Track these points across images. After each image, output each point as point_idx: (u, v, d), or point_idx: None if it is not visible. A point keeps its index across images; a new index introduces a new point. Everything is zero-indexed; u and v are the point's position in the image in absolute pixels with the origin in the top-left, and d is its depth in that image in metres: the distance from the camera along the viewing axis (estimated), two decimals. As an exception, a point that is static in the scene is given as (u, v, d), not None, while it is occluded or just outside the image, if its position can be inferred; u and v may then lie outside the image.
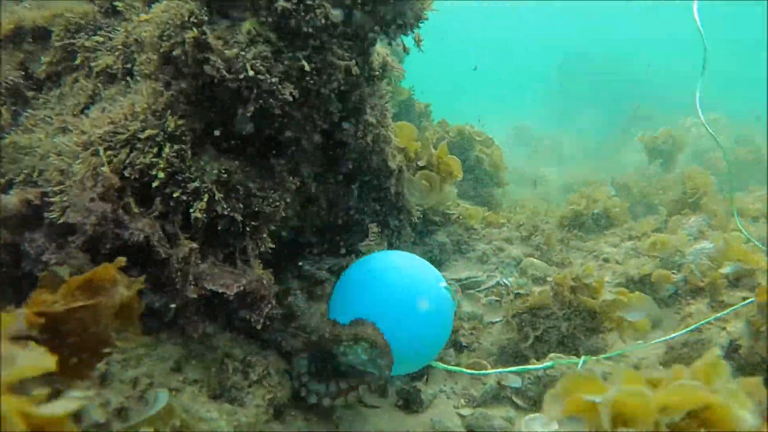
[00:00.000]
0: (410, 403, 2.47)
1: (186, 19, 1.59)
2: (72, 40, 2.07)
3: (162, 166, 1.62)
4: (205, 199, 1.67)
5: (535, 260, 3.92)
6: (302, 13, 1.66)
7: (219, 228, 1.74)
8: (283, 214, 1.93)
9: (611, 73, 17.52)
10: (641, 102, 14.19)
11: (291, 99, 1.71)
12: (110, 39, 2.03)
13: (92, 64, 2.00)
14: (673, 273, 3.42)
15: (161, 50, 1.63)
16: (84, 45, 2.05)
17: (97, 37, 2.04)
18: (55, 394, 1.04)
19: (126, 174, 1.59)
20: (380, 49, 2.17)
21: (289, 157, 1.98)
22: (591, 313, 2.78)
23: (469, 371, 2.67)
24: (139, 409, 1.47)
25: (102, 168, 1.55)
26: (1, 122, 1.93)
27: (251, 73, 1.62)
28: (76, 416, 1.31)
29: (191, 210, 1.66)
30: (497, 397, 2.65)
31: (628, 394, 1.06)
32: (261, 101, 1.69)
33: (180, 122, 1.66)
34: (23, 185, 1.70)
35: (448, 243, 3.95)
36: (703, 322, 2.70)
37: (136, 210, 1.60)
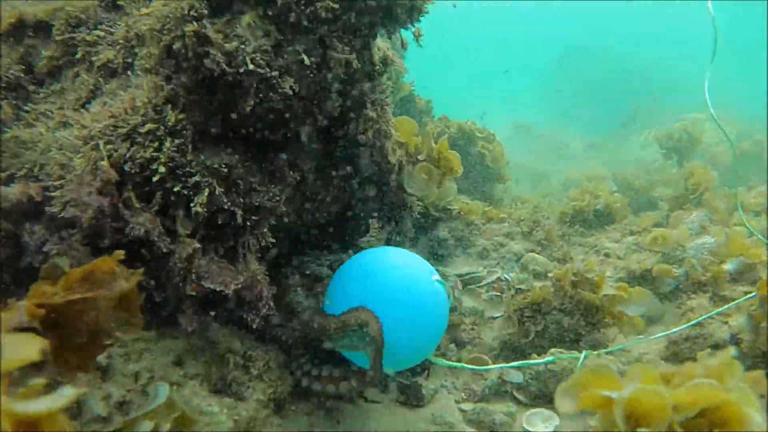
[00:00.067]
0: (411, 398, 2.48)
1: (186, 12, 1.59)
2: (73, 35, 2.07)
3: (163, 160, 1.62)
4: (206, 194, 1.67)
5: (536, 255, 3.91)
6: (302, 6, 1.65)
7: (219, 222, 1.74)
8: (284, 209, 1.93)
9: (610, 69, 17.47)
10: (641, 98, 14.17)
11: (291, 93, 1.71)
12: (111, 33, 2.03)
13: (93, 58, 2.00)
14: (674, 267, 3.41)
15: (162, 44, 1.63)
16: (85, 39, 2.05)
17: (97, 32, 2.04)
18: (55, 388, 1.04)
19: (126, 168, 1.59)
20: (381, 44, 2.17)
21: (290, 152, 1.98)
22: (592, 308, 2.78)
23: (470, 366, 2.67)
24: (141, 403, 1.48)
25: (101, 162, 1.55)
26: (2, 117, 1.93)
27: (251, 66, 1.62)
28: (77, 409, 1.32)
29: (192, 204, 1.66)
30: (498, 392, 2.65)
31: (644, 392, 1.04)
32: (261, 95, 1.69)
33: (180, 116, 1.66)
34: (24, 179, 1.71)
35: (449, 238, 3.95)
36: (704, 317, 2.70)
37: (137, 205, 1.60)
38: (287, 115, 1.82)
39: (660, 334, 2.80)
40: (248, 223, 1.80)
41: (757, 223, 3.88)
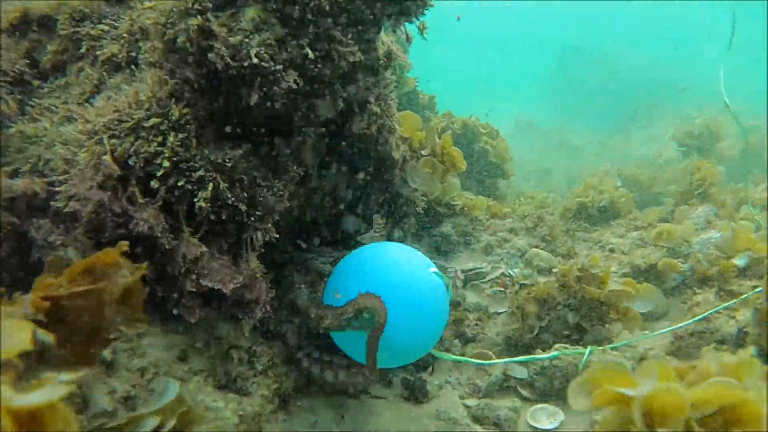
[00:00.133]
0: (416, 393, 2.47)
1: (190, 6, 1.58)
2: (77, 29, 2.06)
3: (167, 155, 1.61)
4: (210, 189, 1.66)
5: (540, 251, 3.90)
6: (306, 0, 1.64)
7: (223, 217, 1.74)
8: (287, 204, 1.92)
9: (611, 68, 17.45)
10: (641, 96, 14.16)
11: (295, 87, 1.70)
12: (115, 27, 2.02)
13: (97, 52, 2.00)
14: (680, 262, 3.40)
15: (165, 38, 1.63)
16: (89, 33, 2.05)
17: (101, 26, 2.04)
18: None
19: (131, 163, 1.59)
20: (385, 38, 2.15)
21: (294, 147, 1.97)
22: (597, 304, 2.77)
23: (475, 361, 2.66)
24: (147, 399, 1.48)
25: (104, 157, 1.55)
26: (6, 111, 1.93)
27: (255, 60, 1.61)
28: (83, 403, 1.32)
29: (196, 199, 1.66)
30: (503, 388, 2.65)
31: (662, 390, 1.04)
32: (265, 89, 1.68)
33: (184, 111, 1.66)
34: (29, 174, 1.70)
35: (452, 234, 3.94)
36: (711, 311, 2.69)
37: (141, 200, 1.60)
38: (291, 109, 1.81)
39: (666, 329, 2.78)
40: (252, 218, 1.80)
41: (765, 218, 3.86)
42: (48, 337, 1.07)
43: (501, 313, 3.21)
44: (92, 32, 2.03)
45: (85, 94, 1.94)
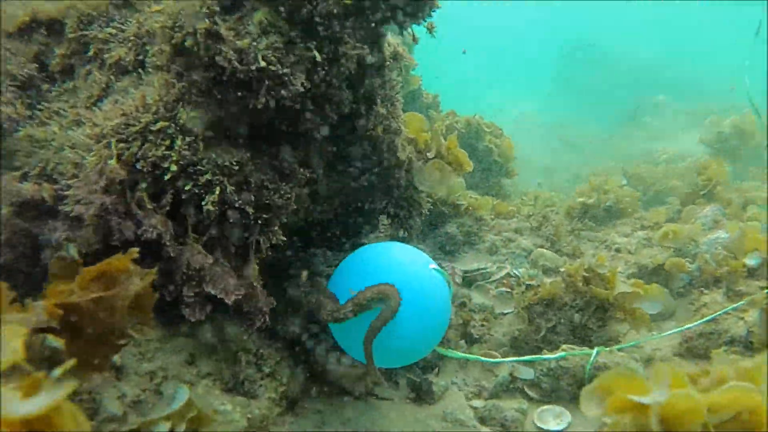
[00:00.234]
0: (422, 395, 2.47)
1: (198, 9, 1.58)
2: (85, 32, 2.06)
3: (174, 158, 1.61)
4: (217, 192, 1.66)
5: (545, 251, 3.89)
6: (314, 2, 1.64)
7: (231, 221, 1.74)
8: (294, 206, 1.92)
9: (612, 65, 17.40)
10: (640, 95, 14.13)
11: (302, 89, 1.70)
12: (122, 30, 2.02)
13: (105, 56, 2.00)
14: (687, 262, 3.39)
15: (173, 41, 1.62)
16: (97, 37, 2.05)
17: (109, 29, 2.04)
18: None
19: (138, 167, 1.59)
20: (391, 39, 2.15)
21: (300, 149, 1.97)
22: (604, 304, 2.76)
23: (482, 358, 2.66)
24: (155, 403, 1.48)
25: (110, 161, 1.55)
26: (12, 115, 1.94)
27: (263, 63, 1.60)
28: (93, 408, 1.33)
29: (203, 203, 1.66)
30: (509, 389, 2.64)
31: (679, 397, 1.03)
32: (272, 92, 1.67)
33: (192, 114, 1.65)
34: (38, 178, 1.71)
35: (457, 234, 3.94)
36: (719, 312, 2.67)
37: (149, 205, 1.60)
38: (298, 111, 1.81)
39: (674, 330, 2.77)
40: (259, 222, 1.80)
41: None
42: (59, 342, 1.07)
43: (507, 313, 3.20)
44: (100, 35, 2.03)
45: (93, 98, 1.94)
